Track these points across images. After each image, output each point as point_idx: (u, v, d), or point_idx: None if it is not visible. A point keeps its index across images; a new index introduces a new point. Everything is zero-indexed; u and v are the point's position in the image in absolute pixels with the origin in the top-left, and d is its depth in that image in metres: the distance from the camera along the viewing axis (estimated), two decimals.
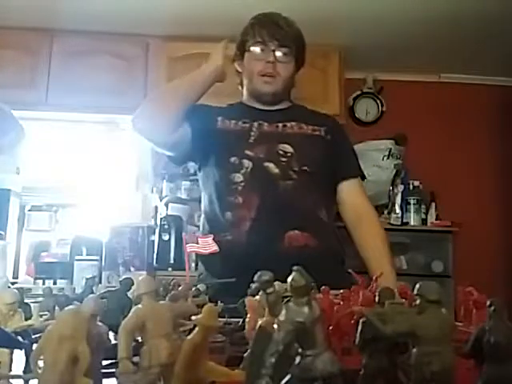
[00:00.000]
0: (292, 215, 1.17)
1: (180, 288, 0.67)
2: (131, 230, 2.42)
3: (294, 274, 0.41)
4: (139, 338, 0.47)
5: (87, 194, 2.69)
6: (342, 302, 0.56)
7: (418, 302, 0.40)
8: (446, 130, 3.13)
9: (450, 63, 3.00)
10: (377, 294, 0.47)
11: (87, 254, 2.30)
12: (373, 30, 2.60)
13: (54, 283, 2.21)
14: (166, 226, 2.49)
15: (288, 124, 1.29)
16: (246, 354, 0.49)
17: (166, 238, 2.47)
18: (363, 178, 1.38)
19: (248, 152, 1.23)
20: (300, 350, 0.39)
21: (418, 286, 0.41)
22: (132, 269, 2.30)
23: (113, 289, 0.68)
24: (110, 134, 2.77)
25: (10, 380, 0.50)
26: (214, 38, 2.83)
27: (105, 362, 0.50)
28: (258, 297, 0.55)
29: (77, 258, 2.27)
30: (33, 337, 0.52)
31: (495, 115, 3.17)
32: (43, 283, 2.23)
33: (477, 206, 3.04)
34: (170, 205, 2.66)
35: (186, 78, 1.32)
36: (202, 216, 1.33)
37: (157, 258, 2.44)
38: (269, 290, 0.49)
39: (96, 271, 2.23)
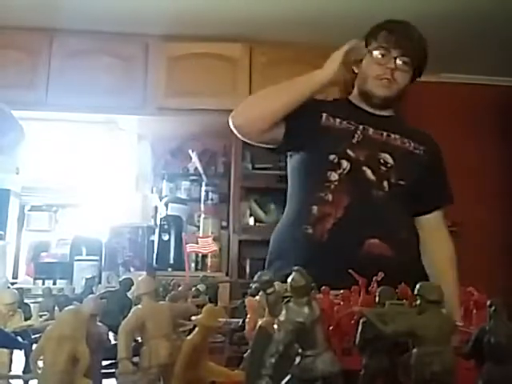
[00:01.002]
0: (376, 224, 1.17)
1: (180, 288, 0.67)
2: (131, 230, 2.42)
3: (294, 274, 0.41)
4: (139, 338, 0.47)
5: (87, 194, 2.68)
6: (342, 303, 0.56)
7: (418, 302, 0.40)
8: (446, 130, 3.12)
9: (450, 63, 2.99)
10: (377, 294, 0.47)
11: (87, 254, 2.30)
12: None
13: (54, 283, 2.21)
14: (165, 226, 2.49)
15: (392, 135, 1.28)
16: (245, 355, 0.48)
17: (165, 238, 2.46)
18: (451, 201, 1.36)
19: (349, 152, 1.22)
20: (300, 351, 0.39)
21: (418, 286, 0.41)
22: (132, 269, 2.30)
23: (112, 289, 0.68)
24: (109, 133, 2.77)
25: (10, 380, 0.50)
26: (214, 38, 2.84)
27: (104, 363, 0.50)
28: (258, 297, 0.55)
29: (76, 258, 2.27)
30: (32, 337, 0.52)
31: (495, 115, 3.17)
32: (43, 283, 2.23)
33: (477, 206, 3.04)
34: (170, 205, 2.66)
35: (294, 82, 1.28)
36: (287, 206, 1.32)
37: (156, 259, 2.44)
38: (269, 290, 0.49)
39: (96, 271, 2.23)
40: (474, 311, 0.50)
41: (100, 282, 2.18)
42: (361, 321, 0.43)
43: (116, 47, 2.60)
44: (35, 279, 2.28)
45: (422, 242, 1.30)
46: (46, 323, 0.53)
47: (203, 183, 2.76)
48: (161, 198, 2.72)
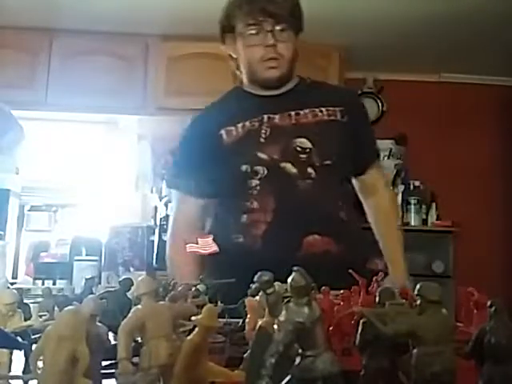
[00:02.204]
0: (311, 218, 1.08)
1: (180, 288, 0.67)
2: (131, 230, 2.42)
3: (294, 274, 0.41)
4: (139, 339, 0.47)
5: (87, 194, 2.68)
6: (342, 303, 0.56)
7: (418, 302, 0.40)
8: (446, 130, 3.12)
9: (450, 63, 2.99)
10: (377, 294, 0.46)
11: (87, 255, 2.30)
12: (373, 30, 2.60)
13: (54, 283, 2.21)
14: (165, 226, 2.48)
15: (301, 112, 1.14)
16: (245, 355, 0.48)
17: (165, 238, 2.46)
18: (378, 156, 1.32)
19: (260, 154, 1.11)
20: (300, 351, 0.39)
21: (418, 286, 0.41)
22: (131, 269, 2.30)
23: (112, 289, 0.68)
24: (109, 133, 2.77)
25: (10, 380, 0.50)
26: (214, 38, 2.83)
27: (104, 363, 0.50)
28: (258, 297, 0.55)
29: (76, 258, 2.27)
30: (32, 337, 0.52)
31: (495, 115, 3.17)
32: (42, 283, 2.23)
33: (477, 206, 3.03)
34: (170, 205, 2.66)
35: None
36: (212, 219, 1.24)
37: (156, 259, 2.44)
38: (269, 291, 0.49)
39: (95, 271, 2.23)
40: (475, 311, 0.50)
41: (100, 282, 2.18)
42: (361, 321, 0.43)
43: (116, 47, 2.60)
44: (35, 279, 2.28)
45: (362, 201, 1.26)
46: (45, 323, 0.53)
47: None
48: (160, 198, 2.72)
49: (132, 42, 2.61)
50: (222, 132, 1.16)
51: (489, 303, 0.40)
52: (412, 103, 3.07)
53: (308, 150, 1.11)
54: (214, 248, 0.77)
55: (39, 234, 2.61)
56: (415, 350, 0.39)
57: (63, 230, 2.61)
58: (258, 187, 1.11)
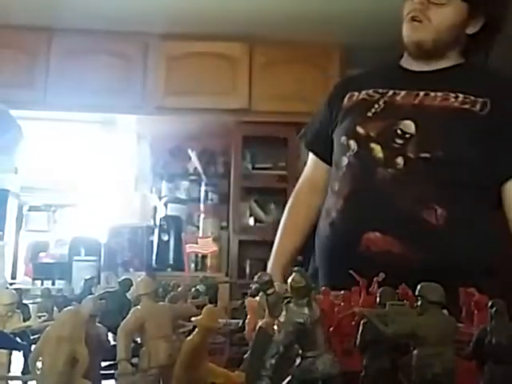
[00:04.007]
0: (378, 213, 0.95)
1: (179, 289, 0.67)
2: (130, 230, 2.42)
3: (294, 274, 0.40)
4: (138, 339, 0.47)
5: (86, 194, 2.68)
6: (342, 303, 0.55)
7: (419, 303, 0.40)
8: None
9: None
10: (378, 295, 0.46)
11: (85, 255, 2.30)
12: (374, 29, 2.60)
13: (53, 284, 2.21)
14: (165, 227, 2.49)
15: (432, 93, 0.99)
16: (245, 356, 0.48)
17: (165, 238, 2.46)
18: None
19: (359, 129, 1.00)
20: (300, 352, 0.39)
21: (419, 287, 0.41)
22: (131, 269, 2.30)
23: (112, 289, 0.68)
24: (108, 133, 2.77)
25: (9, 381, 0.50)
26: (213, 37, 2.83)
27: (104, 363, 0.50)
28: (258, 298, 0.55)
29: (75, 258, 2.27)
30: (31, 338, 0.52)
31: None
32: (41, 284, 2.23)
33: None
34: (169, 205, 2.66)
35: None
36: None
37: (156, 259, 2.44)
38: (269, 291, 0.49)
39: (95, 272, 2.22)
40: (475, 312, 0.50)
41: (99, 283, 2.17)
42: (362, 322, 0.43)
43: (115, 46, 2.59)
44: (34, 280, 2.28)
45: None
46: (44, 324, 0.53)
47: (203, 183, 2.76)
48: (160, 198, 2.72)
49: (131, 41, 2.60)
50: (347, 95, 1.09)
51: (490, 304, 0.40)
52: None
53: (408, 136, 0.97)
54: (214, 248, 0.77)
55: (38, 234, 2.61)
56: (416, 351, 0.39)
57: (62, 231, 2.61)
58: (345, 168, 1.01)
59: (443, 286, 0.41)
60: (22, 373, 0.51)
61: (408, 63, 1.07)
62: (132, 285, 0.63)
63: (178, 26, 2.56)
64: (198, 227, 2.67)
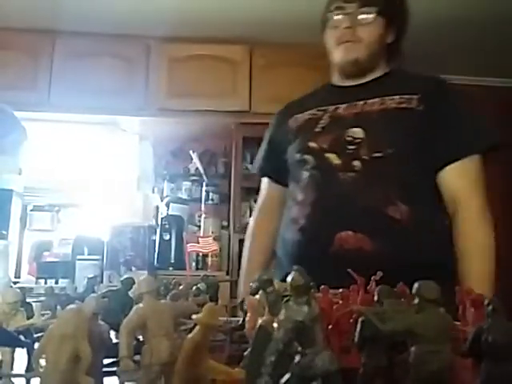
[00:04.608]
0: (346, 213, 1.00)
1: (180, 287, 0.67)
2: (132, 229, 2.43)
3: (293, 273, 0.41)
4: (140, 337, 0.48)
5: (89, 194, 2.69)
6: (341, 301, 0.56)
7: (416, 301, 0.40)
8: None
9: (450, 64, 2.99)
10: (376, 293, 0.47)
11: (89, 254, 2.31)
12: None
13: (56, 282, 2.22)
14: (166, 226, 2.49)
15: (369, 101, 1.07)
16: (246, 353, 0.49)
17: (166, 237, 2.47)
18: (496, 147, 1.10)
19: (311, 144, 1.08)
20: (300, 349, 0.39)
21: (416, 285, 0.41)
22: (133, 268, 2.31)
23: (114, 288, 0.68)
24: (111, 134, 2.78)
25: (12, 379, 0.50)
26: (215, 40, 2.84)
27: (106, 361, 0.50)
28: (257, 296, 0.55)
29: (78, 257, 2.28)
30: (34, 336, 0.52)
31: (494, 116, 3.16)
32: (45, 283, 2.24)
33: None
34: (171, 205, 2.66)
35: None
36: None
37: (158, 258, 2.45)
38: (269, 289, 0.49)
39: (97, 271, 2.24)
40: (472, 310, 0.50)
41: (102, 282, 2.19)
42: (359, 319, 0.44)
43: (118, 49, 2.60)
44: (37, 278, 2.29)
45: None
46: (48, 322, 0.54)
47: (204, 183, 2.77)
48: (162, 198, 2.73)
49: (134, 43, 2.61)
50: (290, 119, 1.17)
51: (486, 302, 0.40)
52: None
53: (358, 141, 1.03)
54: (215, 247, 0.78)
55: (42, 233, 2.62)
56: (413, 349, 0.39)
57: (66, 230, 2.62)
58: (306, 180, 1.08)
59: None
60: (26, 370, 0.52)
61: (341, 82, 1.15)
62: (134, 283, 0.63)
63: (180, 29, 2.56)
64: (199, 227, 2.68)
